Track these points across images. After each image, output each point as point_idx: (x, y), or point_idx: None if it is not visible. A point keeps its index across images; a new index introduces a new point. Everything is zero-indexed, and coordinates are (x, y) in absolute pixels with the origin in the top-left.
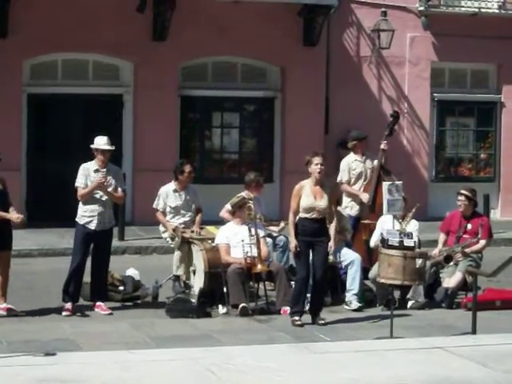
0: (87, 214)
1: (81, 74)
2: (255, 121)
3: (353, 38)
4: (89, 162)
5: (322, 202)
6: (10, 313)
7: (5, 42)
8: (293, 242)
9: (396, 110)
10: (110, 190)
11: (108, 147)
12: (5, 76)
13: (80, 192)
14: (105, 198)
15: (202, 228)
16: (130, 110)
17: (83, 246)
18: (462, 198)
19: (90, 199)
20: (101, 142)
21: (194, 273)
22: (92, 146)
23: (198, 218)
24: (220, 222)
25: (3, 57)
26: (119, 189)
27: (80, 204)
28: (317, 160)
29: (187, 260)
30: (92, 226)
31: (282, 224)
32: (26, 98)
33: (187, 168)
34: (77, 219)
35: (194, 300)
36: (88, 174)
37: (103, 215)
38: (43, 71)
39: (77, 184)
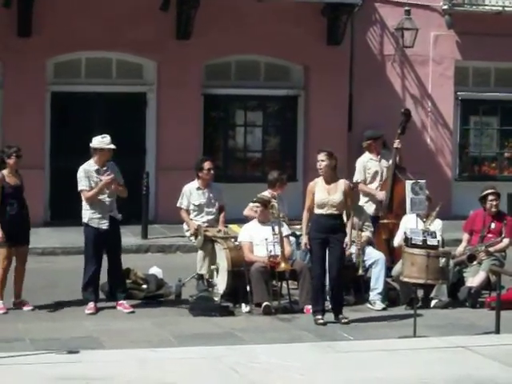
0: (97, 216)
1: (104, 73)
2: (278, 119)
3: (376, 37)
4: (86, 164)
5: (336, 197)
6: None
7: (29, 41)
8: (304, 239)
9: (407, 108)
10: (113, 185)
11: (113, 146)
12: (29, 75)
13: (87, 194)
14: (111, 196)
15: (225, 227)
16: (154, 109)
17: (97, 248)
18: (494, 197)
19: (97, 200)
20: (106, 142)
21: (217, 271)
22: (93, 145)
23: (221, 217)
24: (243, 221)
25: (27, 56)
26: (121, 182)
27: (86, 207)
28: (319, 157)
29: (210, 258)
30: (105, 226)
31: None
32: (49, 97)
33: (206, 165)
34: (87, 222)
35: (217, 298)
36: (90, 176)
37: (112, 212)
38: (67, 70)
39: (82, 187)
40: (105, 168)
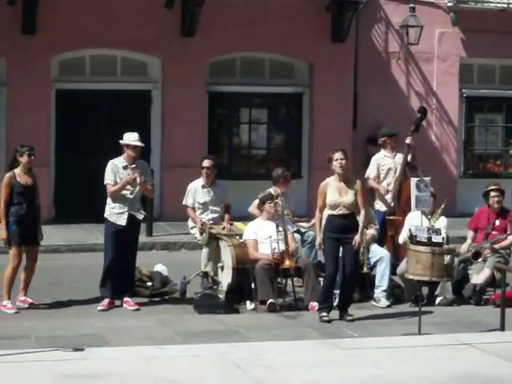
0: (117, 211)
1: (109, 70)
2: (283, 117)
3: (381, 34)
4: (116, 159)
5: (347, 198)
6: (31, 306)
7: (33, 39)
8: (317, 239)
9: (423, 106)
10: (139, 186)
11: (140, 143)
12: (33, 72)
13: (111, 189)
14: (134, 193)
15: (230, 224)
16: (158, 106)
17: (115, 242)
18: (496, 193)
19: (119, 196)
20: (132, 139)
21: (222, 269)
22: (122, 141)
23: (227, 215)
24: (248, 218)
25: (32, 53)
26: (149, 183)
27: (109, 201)
28: (337, 155)
29: (215, 256)
30: (123, 222)
31: (313, 221)
32: (54, 94)
33: (204, 163)
34: (106, 216)
35: (221, 296)
36: (117, 171)
37: (133, 210)
38: (71, 67)
39: (106, 181)
40: (134, 166)
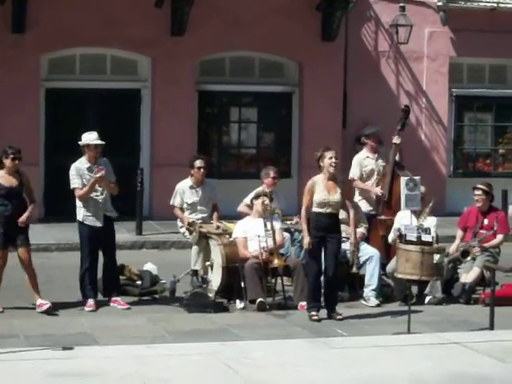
0: (91, 214)
1: (99, 69)
2: (273, 116)
3: (371, 33)
4: (78, 161)
5: (336, 197)
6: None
7: (23, 37)
8: (306, 239)
9: (407, 104)
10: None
11: (100, 142)
12: (23, 71)
13: (79, 192)
14: (104, 193)
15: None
16: (148, 105)
17: (92, 244)
18: (478, 192)
19: (90, 198)
20: (92, 138)
21: (212, 267)
22: (81, 142)
23: (215, 215)
24: (237, 217)
25: (21, 52)
26: (112, 180)
27: (80, 204)
28: (330, 154)
29: (205, 255)
30: (99, 224)
31: (296, 219)
32: (43, 93)
33: (197, 163)
34: (81, 220)
35: (211, 295)
36: (82, 174)
37: (106, 210)
38: (61, 66)
39: (74, 185)
40: (96, 165)
